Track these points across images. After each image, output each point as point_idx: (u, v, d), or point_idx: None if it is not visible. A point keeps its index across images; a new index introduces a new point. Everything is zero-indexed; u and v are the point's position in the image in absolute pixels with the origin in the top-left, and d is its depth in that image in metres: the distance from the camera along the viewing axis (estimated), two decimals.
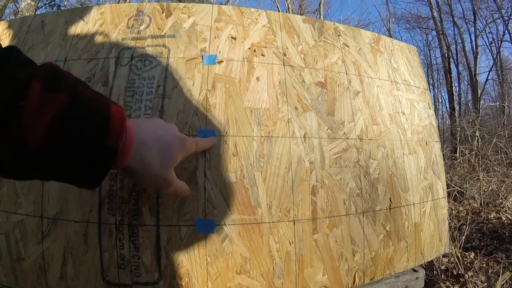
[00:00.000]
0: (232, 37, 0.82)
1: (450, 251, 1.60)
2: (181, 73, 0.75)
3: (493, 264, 1.76)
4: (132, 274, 0.66)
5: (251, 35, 0.84)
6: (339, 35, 0.95)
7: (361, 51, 0.95)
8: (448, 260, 1.58)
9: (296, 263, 0.69)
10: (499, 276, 1.47)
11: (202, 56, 0.78)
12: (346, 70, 0.89)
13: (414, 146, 0.92)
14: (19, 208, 0.70)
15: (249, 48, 0.82)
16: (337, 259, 0.71)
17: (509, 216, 2.52)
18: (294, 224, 0.70)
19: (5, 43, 0.88)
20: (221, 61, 0.78)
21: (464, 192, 2.72)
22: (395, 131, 0.89)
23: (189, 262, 0.65)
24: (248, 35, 0.84)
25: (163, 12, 0.84)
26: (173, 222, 0.65)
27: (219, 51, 0.80)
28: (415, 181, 0.88)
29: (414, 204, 0.85)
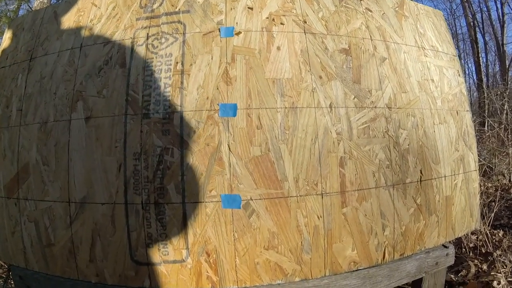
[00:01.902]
0: (249, 8, 0.80)
1: (479, 228, 1.55)
2: (199, 47, 0.74)
3: None
4: (160, 252, 0.67)
5: (269, 4, 0.81)
6: (361, 0, 0.90)
7: (385, 16, 0.90)
8: (477, 237, 1.52)
9: (325, 237, 0.67)
10: None
11: (219, 29, 0.77)
12: (370, 36, 0.85)
13: (445, 115, 0.87)
14: (47, 195, 0.73)
15: (267, 18, 0.79)
16: (366, 234, 0.69)
17: None
18: (322, 197, 0.68)
19: (19, 38, 0.90)
20: (239, 33, 0.76)
21: (493, 167, 2.59)
22: (425, 100, 0.84)
23: (217, 238, 0.65)
24: (265, 4, 0.81)
25: None
26: (199, 199, 0.65)
27: (236, 23, 0.78)
28: (446, 152, 0.83)
29: (445, 176, 0.81)
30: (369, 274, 0.69)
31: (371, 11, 0.89)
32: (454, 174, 0.86)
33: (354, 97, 0.76)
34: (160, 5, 0.81)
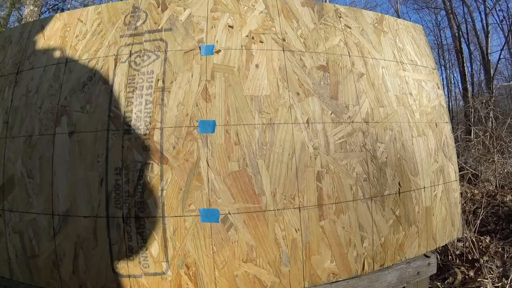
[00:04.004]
0: (229, 26, 0.85)
1: (465, 235, 1.57)
2: (180, 65, 0.78)
3: (509, 248, 1.71)
4: (140, 265, 0.70)
5: (249, 23, 0.86)
6: (340, 17, 0.95)
7: (364, 32, 0.95)
8: (463, 244, 1.55)
9: (303, 250, 0.71)
10: None
11: (200, 47, 0.81)
12: (348, 52, 0.89)
13: (423, 128, 0.91)
14: (31, 207, 0.76)
15: (247, 36, 0.84)
16: (345, 246, 0.73)
17: None
18: (299, 211, 0.71)
19: (7, 50, 0.94)
20: (219, 51, 0.80)
21: (479, 174, 2.65)
22: (403, 113, 0.89)
23: (196, 251, 0.68)
24: (245, 22, 0.86)
25: (158, 7, 0.88)
26: (178, 213, 0.69)
27: (217, 41, 0.82)
28: (425, 164, 0.87)
29: (424, 188, 0.85)
30: (348, 285, 0.72)
31: (350, 27, 0.94)
32: (434, 185, 0.90)
33: (331, 112, 0.80)
34: (144, 22, 0.86)
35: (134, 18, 0.87)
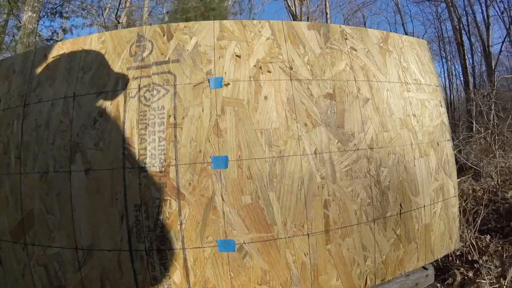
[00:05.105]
0: (236, 55, 0.87)
1: (466, 235, 1.68)
2: (190, 99, 0.81)
3: (509, 247, 1.83)
4: None
5: (256, 51, 0.88)
6: (346, 39, 0.97)
7: (370, 54, 0.98)
8: (464, 244, 1.66)
9: (312, 271, 0.79)
10: None
11: (209, 80, 0.83)
12: (354, 77, 0.93)
13: (425, 148, 0.97)
14: (54, 241, 0.81)
15: (255, 66, 0.86)
16: (349, 265, 0.81)
17: None
18: (308, 237, 0.79)
19: (11, 80, 0.93)
20: (228, 84, 0.83)
21: (481, 170, 2.77)
22: (406, 136, 0.94)
23: (215, 278, 0.76)
24: (252, 51, 0.88)
25: (164, 35, 0.88)
26: (197, 244, 0.75)
27: (225, 72, 0.84)
28: (425, 184, 0.94)
29: (424, 206, 0.93)
30: None
31: (355, 50, 0.96)
32: (434, 203, 0.97)
33: (338, 141, 0.85)
34: (150, 53, 0.86)
35: (140, 48, 0.87)
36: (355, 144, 0.86)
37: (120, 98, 0.82)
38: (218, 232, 0.76)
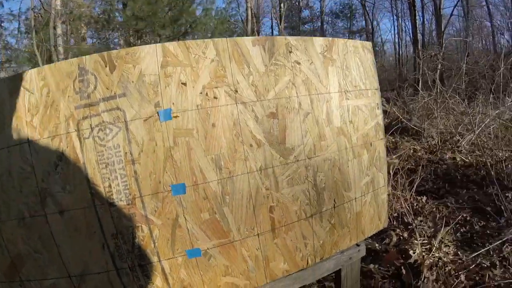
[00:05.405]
0: (182, 83, 0.91)
1: (403, 196, 2.00)
2: (142, 135, 0.88)
3: (442, 208, 2.08)
4: None
5: (201, 76, 0.92)
6: (290, 52, 1.02)
7: (313, 65, 1.05)
8: (401, 206, 1.96)
9: (263, 261, 1.02)
10: (446, 222, 1.78)
11: (158, 113, 0.89)
12: (296, 93, 1.02)
13: (359, 150, 1.15)
14: (47, 275, 0.93)
15: (201, 93, 0.92)
16: (293, 252, 1.05)
17: (463, 157, 2.91)
18: (258, 236, 0.99)
19: None
20: (177, 116, 0.90)
21: (422, 132, 3.10)
22: (342, 141, 1.10)
23: (189, 277, 0.96)
24: (198, 76, 0.92)
25: (106, 66, 0.88)
26: (170, 256, 0.93)
27: (173, 103, 0.90)
28: (357, 180, 1.15)
29: (356, 198, 1.15)
30: (297, 275, 1.08)
31: (299, 63, 1.03)
32: (364, 195, 1.19)
33: (280, 156, 0.99)
34: (95, 88, 0.88)
35: (83, 84, 0.88)
36: (295, 157, 1.01)
37: (75, 140, 0.87)
38: (186, 244, 0.93)
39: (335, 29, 20.93)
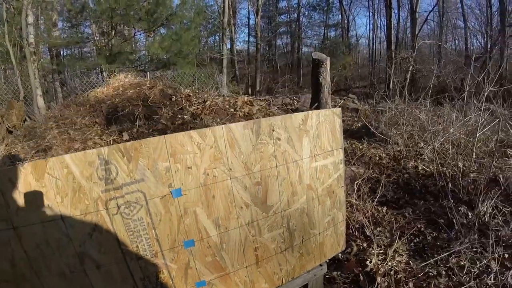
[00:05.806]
0: (188, 167, 1.17)
1: (365, 208, 2.19)
2: (160, 209, 1.16)
3: (400, 219, 2.15)
4: None
5: (203, 160, 1.19)
6: (273, 130, 1.30)
7: (290, 140, 1.35)
8: (364, 216, 2.19)
9: (250, 283, 1.42)
10: (402, 232, 1.96)
11: (171, 192, 1.16)
12: (276, 164, 1.32)
13: (324, 198, 1.52)
14: None
15: (203, 174, 1.19)
16: (271, 275, 1.46)
17: (424, 167, 2.92)
18: (246, 268, 1.37)
19: None
20: (186, 193, 1.17)
21: (388, 139, 3.38)
22: (310, 194, 1.46)
23: None
24: (201, 161, 1.18)
25: (124, 156, 1.11)
26: (185, 287, 1.28)
27: (182, 184, 1.17)
28: (321, 220, 1.54)
29: (319, 233, 1.56)
30: None
31: (280, 139, 1.32)
32: (326, 230, 1.60)
33: (263, 212, 1.33)
34: (117, 175, 1.11)
35: (106, 172, 1.10)
36: (273, 211, 1.36)
37: (105, 216, 1.12)
38: (195, 278, 1.29)
39: (311, 22, 20.28)
